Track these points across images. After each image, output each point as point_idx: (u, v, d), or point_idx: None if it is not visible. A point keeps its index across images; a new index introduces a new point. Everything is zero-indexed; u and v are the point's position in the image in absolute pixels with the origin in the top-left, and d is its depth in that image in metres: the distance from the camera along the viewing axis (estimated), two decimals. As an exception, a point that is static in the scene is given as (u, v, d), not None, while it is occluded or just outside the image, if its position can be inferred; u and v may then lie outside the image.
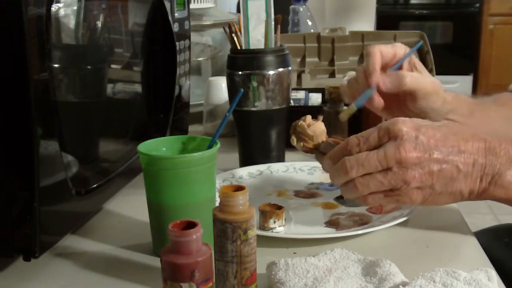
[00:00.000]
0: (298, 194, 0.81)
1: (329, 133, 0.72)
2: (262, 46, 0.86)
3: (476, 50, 4.76)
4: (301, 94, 1.07)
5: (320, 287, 0.52)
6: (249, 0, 0.84)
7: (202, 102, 1.17)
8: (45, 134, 0.54)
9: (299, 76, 1.27)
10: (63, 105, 0.62)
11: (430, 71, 1.21)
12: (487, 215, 2.75)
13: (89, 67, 0.72)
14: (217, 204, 0.57)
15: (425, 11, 4.83)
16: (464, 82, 4.76)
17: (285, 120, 0.88)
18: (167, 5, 0.86)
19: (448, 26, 4.80)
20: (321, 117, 0.72)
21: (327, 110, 0.99)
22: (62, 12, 0.62)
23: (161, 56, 0.87)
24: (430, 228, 0.69)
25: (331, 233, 0.67)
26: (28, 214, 0.54)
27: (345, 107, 0.76)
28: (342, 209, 0.74)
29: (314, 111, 0.74)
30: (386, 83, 0.74)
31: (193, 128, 1.12)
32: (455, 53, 4.77)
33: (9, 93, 0.51)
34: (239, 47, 0.87)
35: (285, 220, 0.69)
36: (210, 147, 0.63)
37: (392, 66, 0.77)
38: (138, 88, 0.86)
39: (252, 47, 0.86)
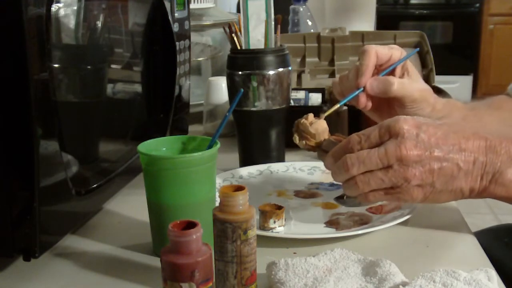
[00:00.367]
0: (298, 194, 0.81)
1: (330, 131, 0.72)
2: (262, 46, 0.86)
3: (476, 50, 4.77)
4: (301, 94, 1.07)
5: (320, 287, 0.52)
6: (249, 0, 0.84)
7: (202, 102, 1.17)
8: (45, 134, 0.54)
9: (299, 76, 1.27)
10: (63, 105, 0.62)
11: (430, 71, 1.21)
12: (487, 215, 2.75)
13: (89, 67, 0.72)
14: (217, 204, 0.57)
15: (425, 11, 4.83)
16: (464, 82, 4.76)
17: (285, 120, 0.88)
18: (167, 5, 0.86)
19: (448, 26, 4.80)
20: (323, 115, 0.72)
21: (327, 110, 0.99)
22: (62, 12, 0.62)
23: (161, 56, 0.87)
24: (430, 228, 0.69)
25: (331, 233, 0.67)
26: (28, 214, 0.54)
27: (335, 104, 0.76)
28: (342, 209, 0.74)
29: (314, 111, 0.74)
30: (373, 87, 0.75)
31: (193, 128, 1.12)
32: (455, 53, 4.77)
33: (9, 93, 0.51)
34: (239, 47, 0.87)
35: (285, 220, 0.69)
36: (210, 147, 0.63)
37: (385, 68, 0.77)
38: (138, 88, 0.86)
39: (252, 47, 0.86)
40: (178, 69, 0.90)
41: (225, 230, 0.51)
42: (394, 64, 0.77)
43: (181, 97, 0.94)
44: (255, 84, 0.84)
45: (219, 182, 0.79)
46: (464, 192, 0.62)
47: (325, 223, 0.70)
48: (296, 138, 0.71)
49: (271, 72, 0.84)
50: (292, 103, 1.00)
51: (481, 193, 0.62)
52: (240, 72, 0.85)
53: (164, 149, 0.66)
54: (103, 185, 0.70)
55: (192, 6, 1.16)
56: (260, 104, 0.85)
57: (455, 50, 4.78)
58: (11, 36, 0.50)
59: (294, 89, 1.08)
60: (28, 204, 0.54)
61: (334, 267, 0.56)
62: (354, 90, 0.75)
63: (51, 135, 0.56)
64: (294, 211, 0.74)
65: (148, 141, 0.65)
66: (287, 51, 0.87)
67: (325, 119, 0.72)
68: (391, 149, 0.59)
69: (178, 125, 0.93)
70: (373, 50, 0.75)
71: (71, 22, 0.65)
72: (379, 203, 0.73)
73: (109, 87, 0.77)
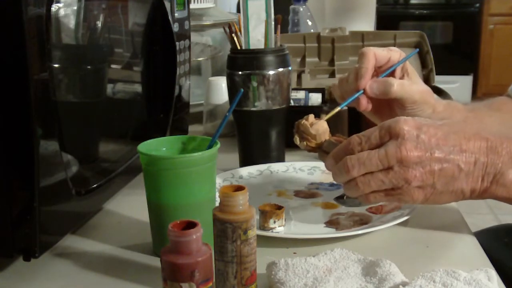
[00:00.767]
0: (298, 194, 0.81)
1: (331, 132, 0.72)
2: (262, 46, 0.86)
3: (476, 50, 4.77)
4: (301, 94, 1.07)
5: (320, 287, 0.52)
6: (249, 0, 0.84)
7: (202, 102, 1.17)
8: (45, 134, 0.54)
9: (299, 76, 1.27)
10: (63, 105, 0.62)
11: (430, 71, 1.21)
12: (487, 215, 2.75)
13: (89, 67, 0.72)
14: (217, 204, 0.57)
15: (425, 11, 4.83)
16: (464, 82, 4.76)
17: (285, 120, 0.88)
18: (167, 5, 0.86)
19: (448, 26, 4.80)
20: (324, 116, 0.72)
21: (327, 110, 0.99)
22: (62, 12, 0.62)
23: (161, 56, 0.87)
24: (430, 228, 0.69)
25: (331, 233, 0.67)
26: (28, 214, 0.54)
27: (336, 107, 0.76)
28: (342, 209, 0.74)
29: (314, 111, 0.74)
30: (373, 89, 0.75)
31: (193, 128, 1.12)
32: (455, 53, 4.77)
33: (9, 93, 0.51)
34: (239, 47, 0.87)
35: (285, 220, 0.69)
36: (210, 147, 0.63)
37: (385, 70, 0.77)
38: (138, 88, 0.86)
39: (252, 47, 0.86)
40: (178, 69, 0.90)
41: (225, 230, 0.51)
42: (394, 66, 0.77)
43: (181, 97, 0.94)
44: (255, 84, 0.84)
45: (219, 182, 0.79)
46: (465, 193, 0.62)
47: (325, 223, 0.70)
48: (296, 139, 0.72)
49: (271, 72, 0.84)
50: (292, 103, 1.00)
51: (482, 194, 0.62)
52: (240, 72, 0.85)
53: (164, 149, 0.66)
54: (103, 185, 0.70)
55: (192, 6, 1.16)
56: (260, 104, 0.85)
57: (455, 50, 4.78)
58: (11, 36, 0.50)
59: (294, 89, 1.08)
60: (28, 204, 0.54)
61: (334, 267, 0.56)
62: (354, 93, 0.75)
63: (51, 135, 0.56)
64: (294, 211, 0.74)
65: (148, 141, 0.65)
66: (287, 51, 0.87)
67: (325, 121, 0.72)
68: (391, 151, 0.59)
69: (178, 125, 0.93)
70: (372, 52, 0.75)
71: (71, 22, 0.65)
72: (379, 203, 0.73)
73: (109, 87, 0.77)
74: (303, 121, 0.71)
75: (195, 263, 0.46)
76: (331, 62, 1.30)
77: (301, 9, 1.62)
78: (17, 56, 0.50)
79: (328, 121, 0.72)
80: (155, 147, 0.65)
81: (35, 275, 0.60)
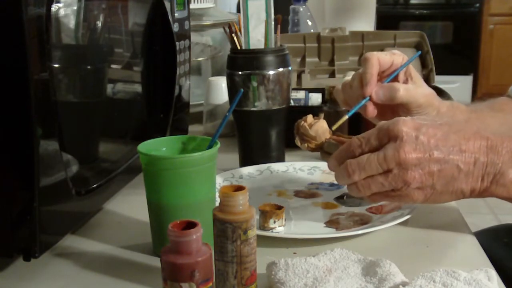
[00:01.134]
0: (298, 194, 0.81)
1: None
2: (262, 46, 0.86)
3: (476, 50, 4.76)
4: (301, 94, 1.07)
5: (320, 287, 0.52)
6: (249, 0, 0.84)
7: (202, 102, 1.17)
8: (45, 134, 0.54)
9: (299, 76, 1.27)
10: (63, 105, 0.62)
11: (430, 71, 1.21)
12: (487, 215, 2.75)
13: (89, 67, 0.72)
14: (217, 204, 0.57)
15: (425, 11, 4.83)
16: (464, 82, 4.76)
17: (285, 120, 0.88)
18: (167, 5, 0.86)
19: (448, 26, 4.80)
20: (322, 115, 0.72)
21: (327, 110, 0.99)
22: (62, 12, 0.62)
23: (161, 56, 0.87)
24: (430, 228, 0.69)
25: (331, 233, 0.67)
26: (28, 214, 0.54)
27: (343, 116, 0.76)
28: (342, 209, 0.74)
29: (314, 111, 0.74)
30: (379, 95, 0.75)
31: (193, 128, 1.12)
32: (455, 53, 4.77)
33: (9, 93, 0.51)
34: (239, 47, 0.87)
35: (285, 220, 0.69)
36: (210, 147, 0.63)
37: (388, 74, 0.77)
38: (138, 88, 0.86)
39: (252, 47, 0.86)
40: (178, 69, 0.90)
41: (225, 230, 0.51)
42: (398, 70, 0.77)
43: (181, 97, 0.94)
44: (255, 84, 0.84)
45: (219, 182, 0.79)
46: (465, 193, 0.62)
47: (325, 223, 0.70)
48: (297, 141, 0.72)
49: (271, 72, 0.84)
50: (292, 103, 1.00)
51: (482, 193, 0.62)
52: (240, 72, 0.85)
53: (164, 149, 0.66)
54: (103, 185, 0.70)
55: (192, 6, 1.16)
56: (260, 104, 0.85)
57: (455, 50, 4.77)
58: (11, 36, 0.50)
59: (294, 89, 1.08)
60: (28, 204, 0.54)
61: (334, 267, 0.56)
62: (359, 99, 0.75)
63: (51, 135, 0.56)
64: (294, 211, 0.74)
65: (148, 141, 0.65)
66: (287, 51, 0.87)
67: (325, 119, 0.72)
68: (389, 154, 0.59)
69: (178, 125, 0.93)
70: (375, 57, 0.75)
71: (71, 22, 0.65)
72: (380, 203, 0.73)
73: (109, 87, 0.77)
74: (302, 122, 0.71)
75: (195, 263, 0.46)
76: (331, 62, 1.30)
77: (301, 9, 1.62)
78: (17, 56, 0.50)
79: (327, 120, 0.72)
80: (155, 147, 0.65)
81: (35, 275, 0.60)
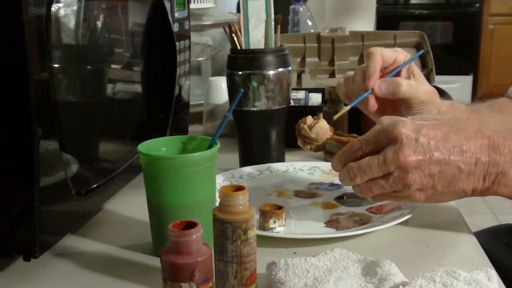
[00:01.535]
0: (298, 194, 0.81)
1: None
2: (262, 46, 0.86)
3: (476, 50, 4.76)
4: (301, 94, 1.07)
5: (320, 287, 0.52)
6: (249, 0, 0.84)
7: (202, 102, 1.17)
8: (45, 134, 0.54)
9: (299, 76, 1.27)
10: (63, 105, 0.62)
11: (430, 71, 1.21)
12: (487, 215, 2.75)
13: (89, 67, 0.72)
14: (217, 204, 0.57)
15: (425, 11, 4.83)
16: (464, 82, 4.76)
17: (285, 120, 0.88)
18: (167, 5, 0.86)
19: (448, 26, 4.80)
20: (321, 114, 0.73)
21: (327, 110, 0.99)
22: (62, 12, 0.62)
23: (161, 56, 0.87)
24: (430, 227, 0.69)
25: (331, 233, 0.67)
26: (28, 214, 0.54)
27: (344, 107, 0.76)
28: (342, 209, 0.74)
29: (314, 111, 0.75)
30: (381, 88, 0.74)
31: (193, 128, 1.12)
32: (455, 53, 4.77)
33: (9, 93, 0.51)
34: (239, 47, 0.87)
35: (285, 220, 0.69)
36: (210, 147, 0.63)
37: (391, 71, 0.77)
38: (138, 88, 0.86)
39: (252, 47, 0.86)
40: (178, 69, 0.90)
41: (225, 230, 0.51)
42: (401, 66, 0.77)
43: (181, 97, 0.94)
44: (255, 84, 0.84)
45: (219, 182, 0.79)
46: (467, 192, 0.62)
47: (325, 223, 0.70)
48: (300, 143, 0.73)
49: (271, 72, 0.84)
50: (292, 103, 1.00)
51: (484, 192, 0.62)
52: (240, 72, 0.85)
53: (164, 149, 0.66)
54: (103, 185, 0.70)
55: (192, 6, 1.16)
56: (260, 104, 0.85)
57: (455, 50, 4.77)
58: (11, 36, 0.50)
59: (294, 89, 1.08)
60: (28, 204, 0.54)
61: (334, 267, 0.56)
62: (361, 92, 0.75)
63: (51, 135, 0.56)
64: (294, 211, 0.74)
65: (148, 141, 0.65)
66: (287, 51, 0.87)
67: (324, 118, 0.72)
68: (389, 157, 0.59)
69: (178, 125, 0.93)
70: (379, 52, 0.75)
71: (71, 22, 0.65)
72: (380, 203, 0.73)
73: (109, 87, 0.77)
74: (302, 125, 0.71)
75: (195, 263, 0.46)
76: (331, 62, 1.30)
77: (301, 9, 1.62)
78: (17, 56, 0.50)
79: (327, 119, 0.73)
80: (155, 147, 0.65)
81: (35, 275, 0.60)
